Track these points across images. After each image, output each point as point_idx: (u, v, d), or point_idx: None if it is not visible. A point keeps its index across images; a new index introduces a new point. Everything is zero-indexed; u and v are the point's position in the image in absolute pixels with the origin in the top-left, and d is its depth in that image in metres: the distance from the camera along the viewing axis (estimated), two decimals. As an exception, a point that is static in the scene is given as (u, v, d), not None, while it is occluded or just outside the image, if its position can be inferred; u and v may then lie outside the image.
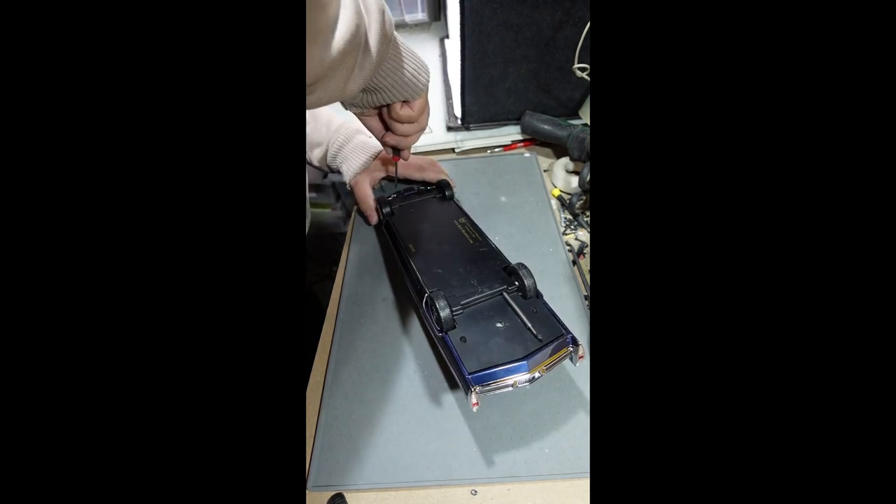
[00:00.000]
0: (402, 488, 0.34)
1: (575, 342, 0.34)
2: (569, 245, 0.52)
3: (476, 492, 0.34)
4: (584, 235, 0.53)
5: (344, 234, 0.57)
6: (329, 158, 0.57)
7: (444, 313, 0.34)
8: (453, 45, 0.75)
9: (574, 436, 0.36)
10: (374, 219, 0.54)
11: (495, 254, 0.42)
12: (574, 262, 0.50)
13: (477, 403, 0.31)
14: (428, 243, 0.45)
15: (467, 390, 0.31)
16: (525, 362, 0.32)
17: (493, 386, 0.32)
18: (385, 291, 0.48)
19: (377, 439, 0.37)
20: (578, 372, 0.40)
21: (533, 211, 0.56)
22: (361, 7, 0.26)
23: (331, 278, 0.52)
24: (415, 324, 0.45)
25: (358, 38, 0.26)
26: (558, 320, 0.35)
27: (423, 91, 0.39)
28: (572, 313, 0.44)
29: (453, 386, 0.40)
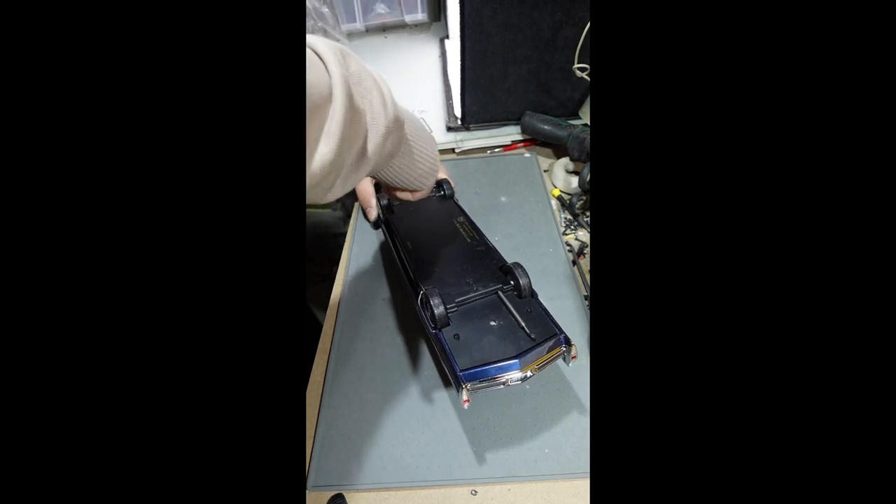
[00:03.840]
0: (402, 488, 0.34)
1: (568, 342, 0.34)
2: (569, 245, 0.52)
3: (476, 492, 0.34)
4: (584, 235, 0.53)
5: (344, 235, 0.56)
6: None
7: (439, 310, 0.34)
8: (453, 45, 0.75)
9: (574, 436, 0.36)
10: (372, 214, 0.53)
11: (492, 252, 0.42)
12: (574, 262, 0.50)
13: (468, 400, 0.31)
14: (425, 241, 0.45)
15: (459, 387, 0.31)
16: (517, 360, 0.32)
17: (484, 384, 0.32)
18: (385, 291, 0.48)
19: (377, 439, 0.37)
20: (578, 372, 0.40)
21: (533, 211, 0.56)
22: (365, 116, 0.25)
23: (331, 278, 0.52)
24: (415, 323, 0.45)
25: (341, 159, 0.23)
26: (552, 320, 0.35)
27: (426, 188, 0.38)
28: (572, 313, 0.44)
29: (453, 386, 0.40)
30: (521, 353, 0.32)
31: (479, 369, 0.32)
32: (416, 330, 0.44)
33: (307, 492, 0.34)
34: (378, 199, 0.50)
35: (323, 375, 0.42)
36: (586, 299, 0.45)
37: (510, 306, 0.36)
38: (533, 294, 0.37)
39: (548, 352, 0.33)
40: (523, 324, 0.34)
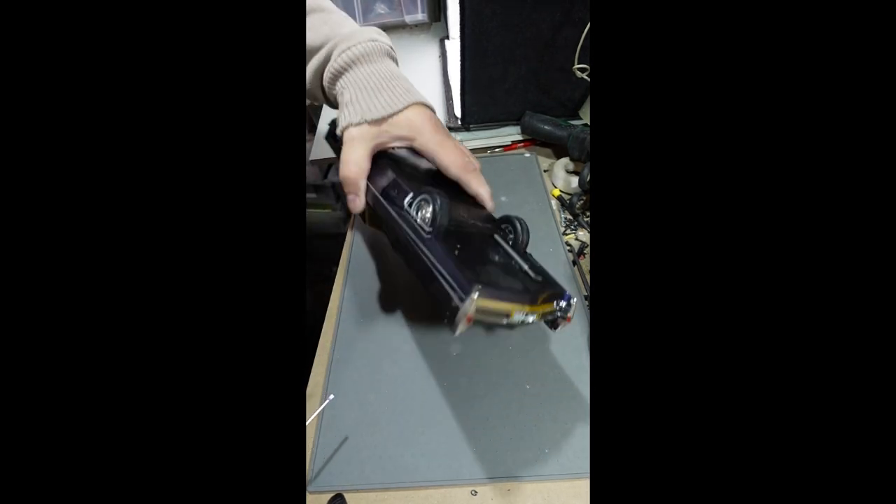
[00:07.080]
0: (402, 488, 0.34)
1: (569, 299, 0.30)
2: (569, 245, 0.52)
3: (476, 492, 0.34)
4: (584, 235, 0.53)
5: (344, 235, 0.56)
6: (327, 78, 0.37)
7: (439, 205, 0.27)
8: (453, 45, 0.75)
9: (574, 436, 0.36)
10: (357, 204, 0.36)
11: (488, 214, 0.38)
12: (574, 262, 0.50)
13: (471, 319, 0.24)
14: (422, 182, 0.35)
15: (465, 294, 0.24)
16: (526, 296, 0.27)
17: (490, 303, 0.25)
18: (385, 291, 0.48)
19: (377, 439, 0.37)
20: (578, 372, 0.40)
21: (533, 211, 0.56)
22: None
23: (331, 278, 0.52)
24: (414, 323, 0.45)
25: None
26: (552, 277, 0.33)
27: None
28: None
29: (454, 386, 0.40)
30: (527, 290, 0.28)
31: (489, 287, 0.25)
32: (416, 330, 0.44)
33: (307, 492, 0.34)
34: (369, 186, 0.36)
35: (323, 375, 0.42)
36: (586, 299, 0.45)
37: (509, 249, 0.32)
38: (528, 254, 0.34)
39: (549, 300, 0.30)
40: (525, 267, 0.31)
